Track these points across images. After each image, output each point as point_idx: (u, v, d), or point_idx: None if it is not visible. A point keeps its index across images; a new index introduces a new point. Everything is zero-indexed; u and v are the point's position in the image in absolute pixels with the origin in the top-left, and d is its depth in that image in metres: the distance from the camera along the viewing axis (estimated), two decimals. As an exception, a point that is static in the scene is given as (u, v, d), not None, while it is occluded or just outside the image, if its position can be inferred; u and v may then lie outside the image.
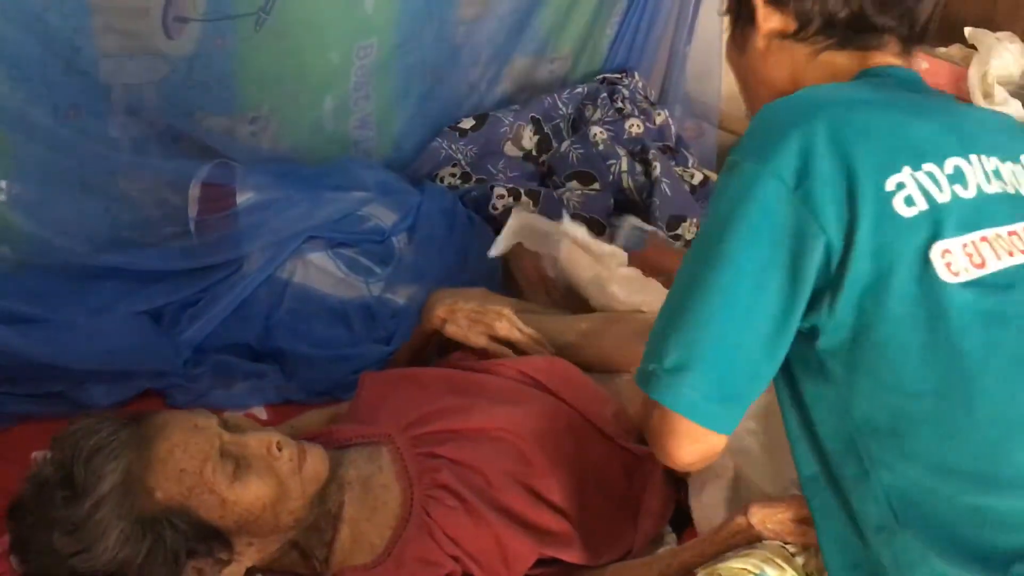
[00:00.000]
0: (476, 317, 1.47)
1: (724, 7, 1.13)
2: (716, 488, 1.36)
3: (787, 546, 1.12)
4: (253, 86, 1.76)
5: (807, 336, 0.93)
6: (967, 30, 2.70)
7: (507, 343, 1.47)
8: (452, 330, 1.48)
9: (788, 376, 0.99)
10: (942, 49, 2.71)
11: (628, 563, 1.22)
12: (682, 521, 1.42)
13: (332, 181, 1.87)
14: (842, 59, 1.04)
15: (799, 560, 1.10)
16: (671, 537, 1.39)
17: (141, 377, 1.54)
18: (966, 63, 2.74)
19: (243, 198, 1.74)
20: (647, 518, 1.30)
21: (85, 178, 1.60)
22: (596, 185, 2.15)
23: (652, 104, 2.43)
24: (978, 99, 2.95)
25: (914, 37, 1.06)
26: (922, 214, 0.89)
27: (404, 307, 1.79)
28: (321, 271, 1.78)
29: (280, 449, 1.14)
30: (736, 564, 1.09)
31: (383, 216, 1.90)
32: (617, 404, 1.42)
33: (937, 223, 0.90)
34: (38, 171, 1.54)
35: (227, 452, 1.12)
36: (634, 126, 2.26)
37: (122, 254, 1.63)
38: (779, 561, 1.08)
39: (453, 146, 2.14)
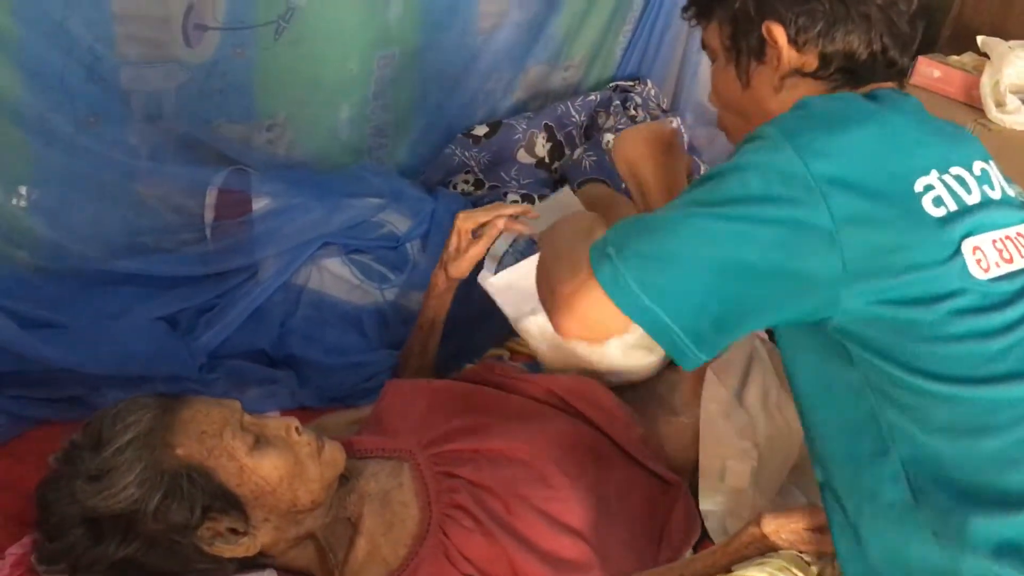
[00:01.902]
0: (453, 242, 1.50)
1: (721, 43, 1.10)
2: (725, 496, 1.37)
3: (802, 555, 1.13)
4: (270, 94, 1.78)
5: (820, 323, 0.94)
6: (980, 39, 2.70)
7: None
8: (453, 268, 1.50)
9: (806, 361, 1.00)
10: (955, 57, 2.72)
11: (641, 574, 1.22)
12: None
13: (346, 188, 1.88)
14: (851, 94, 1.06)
15: (814, 569, 1.11)
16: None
17: (157, 382, 1.54)
18: (978, 72, 2.74)
19: (258, 204, 1.75)
20: (667, 549, 1.31)
21: (103, 184, 1.60)
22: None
23: (665, 111, 2.44)
24: (990, 107, 2.95)
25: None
26: (951, 214, 0.92)
27: (417, 313, 1.80)
28: (335, 277, 1.79)
29: (299, 433, 1.19)
30: (751, 573, 1.09)
31: (397, 223, 1.91)
32: (644, 427, 1.43)
33: (966, 223, 0.93)
34: (57, 177, 1.55)
35: (248, 429, 1.17)
36: (647, 134, 2.26)
37: (139, 260, 1.64)
38: (795, 570, 1.09)
39: (466, 153, 2.15)
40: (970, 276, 0.92)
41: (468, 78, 2.10)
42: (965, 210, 0.94)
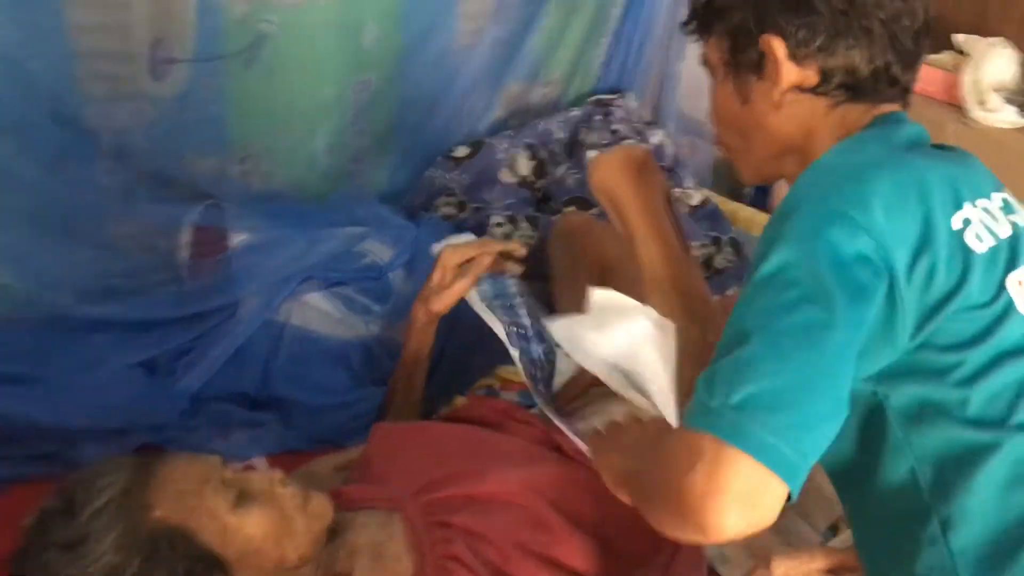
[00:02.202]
0: (437, 276, 1.44)
1: (720, 58, 1.07)
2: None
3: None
4: (244, 125, 1.73)
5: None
6: (957, 37, 2.67)
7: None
8: (436, 303, 1.44)
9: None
10: (933, 56, 2.69)
11: None
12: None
13: (326, 218, 1.82)
14: (855, 112, 1.02)
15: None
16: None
17: (137, 432, 1.49)
18: (958, 70, 2.71)
19: (236, 240, 1.70)
20: None
21: (73, 228, 1.55)
22: (595, 210, 2.12)
23: (647, 124, 2.40)
24: (972, 106, 2.93)
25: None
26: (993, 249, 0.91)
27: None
28: (318, 312, 1.73)
29: (284, 486, 1.13)
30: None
31: (379, 252, 1.85)
32: None
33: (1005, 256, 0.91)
34: (24, 223, 1.50)
35: (230, 484, 1.11)
36: (630, 148, 2.22)
37: (112, 304, 1.58)
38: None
39: (448, 175, 2.10)
40: (1018, 313, 0.90)
41: (446, 98, 2.05)
42: (1002, 244, 0.91)
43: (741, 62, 1.04)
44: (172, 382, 1.57)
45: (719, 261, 2.15)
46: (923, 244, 0.87)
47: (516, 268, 1.43)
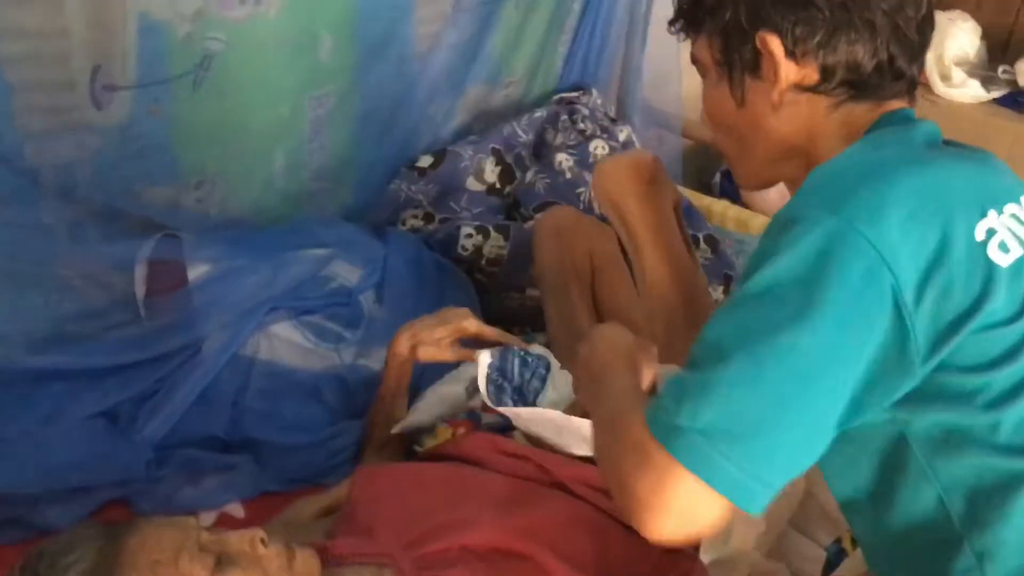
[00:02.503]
0: (440, 329, 1.40)
1: (712, 58, 1.01)
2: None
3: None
4: (195, 150, 1.62)
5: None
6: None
7: (479, 342, 1.41)
8: (423, 352, 1.40)
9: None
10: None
11: None
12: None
13: (289, 242, 1.74)
14: (860, 110, 0.96)
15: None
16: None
17: (101, 489, 1.40)
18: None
19: (195, 272, 1.60)
20: None
21: (18, 272, 1.44)
22: (569, 213, 2.05)
23: (613, 121, 2.33)
24: (935, 82, 2.90)
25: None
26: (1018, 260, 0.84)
27: (380, 373, 1.66)
28: (287, 344, 1.65)
29: (266, 545, 1.05)
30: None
31: (347, 274, 1.77)
32: None
33: None
34: (-35, 272, 1.39)
35: (207, 549, 1.02)
36: (599, 147, 2.15)
37: (66, 352, 1.49)
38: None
39: (413, 187, 2.02)
40: None
41: (407, 107, 1.97)
42: None
43: (735, 62, 0.98)
44: (135, 431, 1.47)
45: (696, 259, 2.08)
46: (937, 260, 0.79)
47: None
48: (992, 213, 0.84)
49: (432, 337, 1.39)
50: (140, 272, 1.57)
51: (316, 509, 1.37)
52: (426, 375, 1.54)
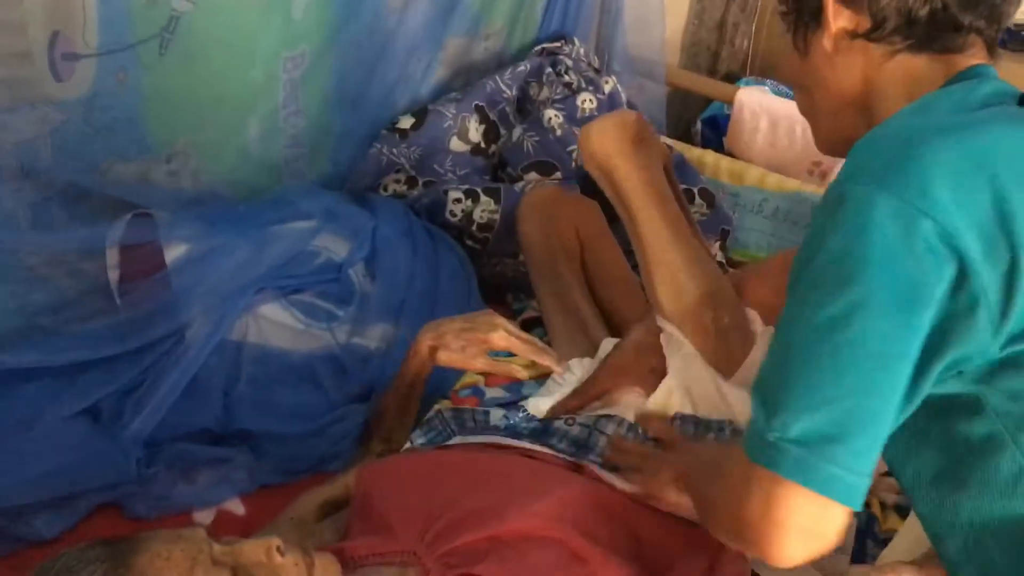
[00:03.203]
0: (468, 336, 1.31)
1: (782, 8, 1.00)
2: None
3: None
4: (165, 120, 1.50)
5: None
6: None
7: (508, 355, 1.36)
8: (445, 357, 1.32)
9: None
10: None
11: None
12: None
13: (270, 216, 1.62)
14: (921, 63, 0.92)
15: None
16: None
17: (90, 493, 1.30)
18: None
19: (173, 254, 1.49)
20: None
21: (-20, 265, 1.32)
22: (558, 174, 1.96)
23: (597, 71, 2.23)
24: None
25: (997, 39, 0.94)
26: None
27: (377, 352, 1.57)
28: (277, 325, 1.54)
29: (283, 554, 0.97)
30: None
31: (335, 247, 1.67)
32: None
33: None
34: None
35: (221, 562, 0.95)
36: (586, 101, 2.05)
37: (39, 348, 1.37)
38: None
39: (394, 150, 1.90)
40: None
41: (385, 65, 1.84)
42: None
43: (801, 10, 0.98)
44: (121, 428, 1.36)
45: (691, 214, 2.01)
46: (997, 220, 0.76)
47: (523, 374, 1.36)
48: None
49: (457, 343, 1.30)
50: (112, 256, 1.45)
51: (322, 501, 1.28)
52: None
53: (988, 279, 0.76)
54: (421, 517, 1.10)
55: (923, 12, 0.90)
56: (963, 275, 0.76)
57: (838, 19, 0.93)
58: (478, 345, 1.30)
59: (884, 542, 1.22)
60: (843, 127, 0.99)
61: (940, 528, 0.92)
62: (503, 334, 1.30)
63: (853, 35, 0.94)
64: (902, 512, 1.40)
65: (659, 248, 1.28)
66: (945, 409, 0.84)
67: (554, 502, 1.12)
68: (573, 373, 1.40)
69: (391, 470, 1.21)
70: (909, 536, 1.14)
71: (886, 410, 0.77)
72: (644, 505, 1.21)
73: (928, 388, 0.80)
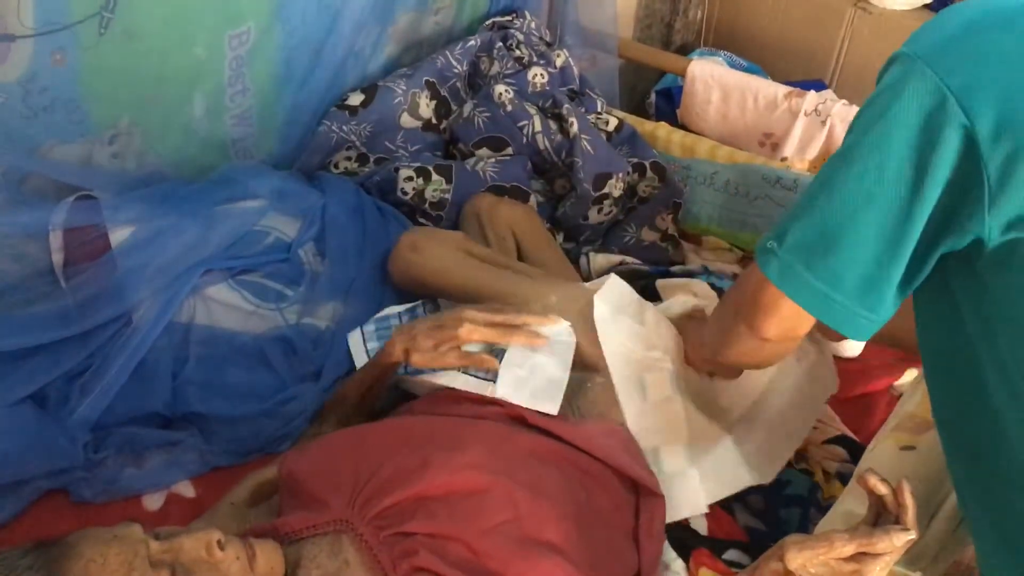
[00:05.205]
0: (438, 335, 1.29)
1: None
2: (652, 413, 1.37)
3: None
4: (106, 100, 1.47)
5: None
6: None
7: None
8: (419, 358, 1.30)
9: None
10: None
11: None
12: (688, 544, 1.31)
13: (218, 195, 1.61)
14: None
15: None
16: (677, 564, 1.28)
17: (36, 480, 1.29)
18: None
19: (118, 236, 1.47)
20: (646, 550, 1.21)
21: (-82, 250, 1.30)
22: (509, 150, 1.95)
23: (549, 45, 2.22)
24: (867, -10, 2.85)
25: None
26: None
27: (327, 331, 1.57)
28: (225, 307, 1.54)
29: (223, 548, 0.98)
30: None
31: (283, 226, 1.66)
32: (625, 433, 1.32)
33: None
34: None
35: (159, 561, 0.94)
36: (537, 76, 2.05)
37: (-18, 333, 1.35)
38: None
39: (344, 128, 1.89)
40: None
41: (333, 41, 1.81)
42: None
43: None
44: (67, 413, 1.36)
45: (643, 188, 2.02)
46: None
47: (539, 341, 1.33)
48: None
49: (427, 343, 1.28)
50: (55, 240, 1.43)
51: (255, 485, 1.28)
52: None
53: (992, 157, 0.82)
54: (349, 485, 1.11)
55: None
56: (970, 148, 0.83)
57: None
58: (448, 343, 1.28)
59: (826, 510, 1.24)
60: None
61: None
62: (469, 327, 1.28)
63: None
64: (844, 480, 1.43)
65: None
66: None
67: (477, 452, 1.15)
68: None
69: (314, 446, 1.21)
70: (847, 504, 1.16)
71: (874, 240, 0.88)
72: (577, 450, 1.24)
73: (932, 259, 0.89)
